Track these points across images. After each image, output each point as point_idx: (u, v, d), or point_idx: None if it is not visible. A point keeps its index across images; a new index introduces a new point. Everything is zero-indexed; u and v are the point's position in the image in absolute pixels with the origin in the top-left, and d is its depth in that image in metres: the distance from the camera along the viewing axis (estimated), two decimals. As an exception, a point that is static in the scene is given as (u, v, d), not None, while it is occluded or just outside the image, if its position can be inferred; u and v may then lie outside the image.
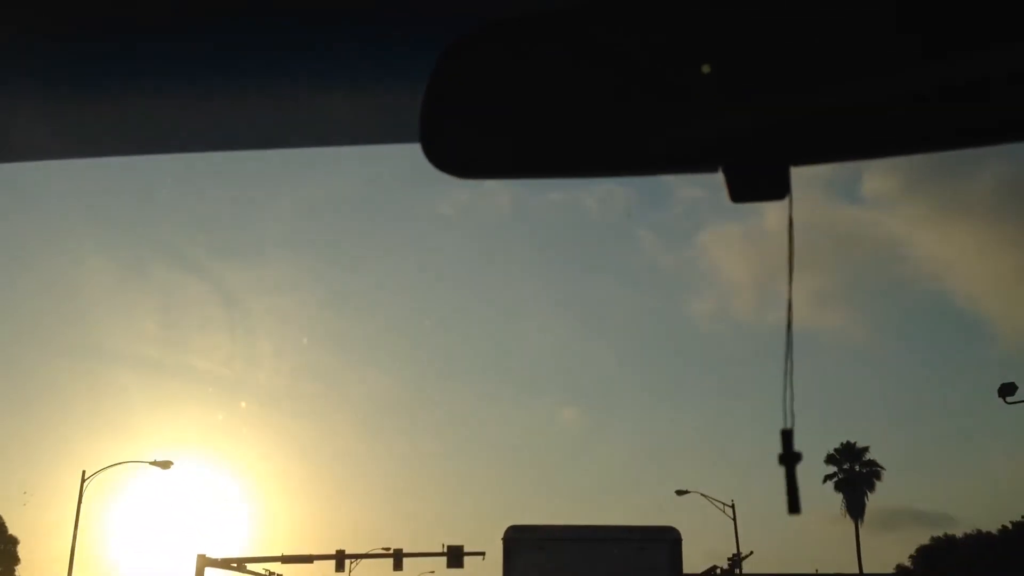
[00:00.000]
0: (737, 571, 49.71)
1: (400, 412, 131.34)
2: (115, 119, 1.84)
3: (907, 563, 59.18)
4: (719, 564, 53.70)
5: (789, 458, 1.09)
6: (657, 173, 1.22)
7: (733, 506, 42.02)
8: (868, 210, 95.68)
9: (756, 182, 1.11)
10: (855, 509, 48.63)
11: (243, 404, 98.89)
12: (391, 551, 47.18)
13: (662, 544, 13.79)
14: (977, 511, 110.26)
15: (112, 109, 1.79)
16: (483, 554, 46.50)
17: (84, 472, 26.28)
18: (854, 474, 48.88)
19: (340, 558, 45.87)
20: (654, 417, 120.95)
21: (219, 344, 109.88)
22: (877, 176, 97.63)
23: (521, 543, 14.02)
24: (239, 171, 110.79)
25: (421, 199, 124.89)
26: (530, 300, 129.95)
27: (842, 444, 49.14)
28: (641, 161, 1.17)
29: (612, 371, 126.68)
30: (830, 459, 49.00)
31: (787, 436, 1.10)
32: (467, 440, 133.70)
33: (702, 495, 43.06)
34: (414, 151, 1.25)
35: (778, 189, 1.10)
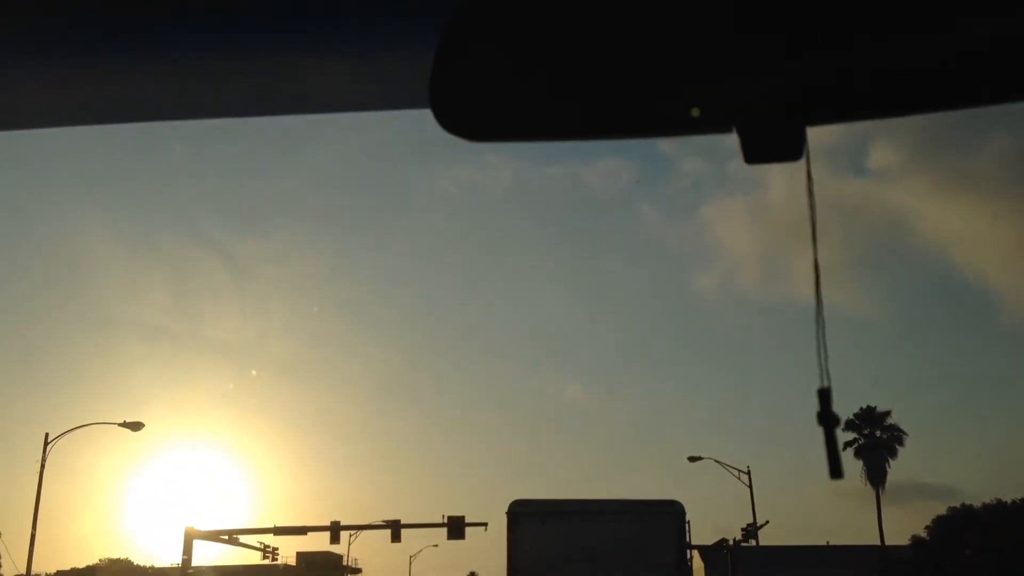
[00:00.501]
0: (752, 541, 47.53)
1: (404, 386, 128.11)
2: (118, 86, 1.84)
3: (922, 534, 57.79)
4: (731, 537, 51.73)
5: (829, 419, 1.05)
6: (671, 135, 1.21)
7: (749, 472, 39.62)
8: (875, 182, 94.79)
9: (771, 142, 1.11)
10: (876, 476, 46.21)
11: (254, 372, 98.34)
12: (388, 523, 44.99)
13: (666, 518, 14.13)
14: (982, 484, 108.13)
15: (114, 76, 1.80)
16: (485, 525, 44.27)
17: (47, 435, 23.90)
18: (875, 440, 46.39)
19: (335, 529, 43.65)
20: (660, 390, 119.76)
21: (221, 313, 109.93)
22: (883, 148, 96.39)
23: (525, 517, 13.91)
24: (248, 139, 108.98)
25: (424, 173, 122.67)
26: (532, 275, 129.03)
27: (862, 409, 46.76)
28: (654, 122, 1.17)
29: (616, 344, 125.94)
30: (849, 425, 46.53)
31: (825, 395, 1.07)
32: (470, 413, 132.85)
33: (716, 461, 40.75)
34: (422, 117, 1.26)
35: (794, 149, 1.10)
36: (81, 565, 63.24)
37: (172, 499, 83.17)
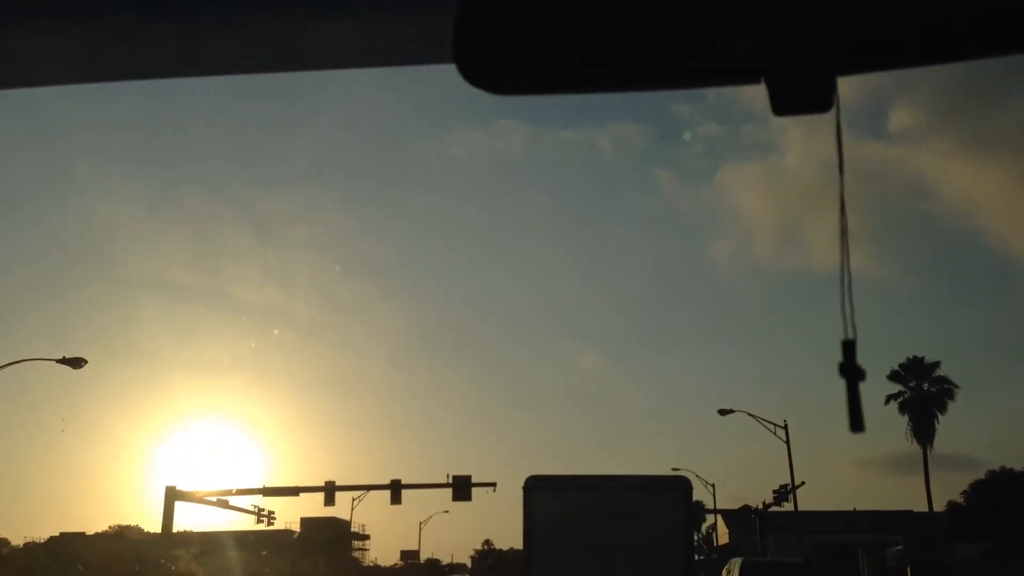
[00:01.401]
0: (785, 504, 43.45)
1: (418, 351, 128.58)
2: (135, 41, 1.83)
3: (959, 499, 54.09)
4: (760, 501, 47.81)
5: (852, 372, 1.03)
6: (698, 86, 1.18)
7: (786, 427, 35.36)
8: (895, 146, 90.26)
9: (800, 93, 1.08)
10: (923, 433, 41.79)
11: (276, 331, 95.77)
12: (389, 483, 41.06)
13: (675, 492, 14.53)
14: (1000, 453, 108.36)
15: (132, 31, 1.79)
16: (493, 485, 40.43)
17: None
18: (922, 393, 41.89)
19: (330, 490, 39.74)
20: (676, 358, 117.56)
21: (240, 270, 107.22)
22: (903, 111, 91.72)
23: (540, 491, 14.52)
24: (268, 95, 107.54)
25: (440, 139, 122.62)
26: (545, 239, 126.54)
27: (908, 359, 42.28)
28: (681, 73, 1.14)
29: (631, 310, 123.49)
30: (894, 376, 42.18)
31: (849, 348, 1.04)
32: (485, 380, 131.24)
33: (749, 414, 36.55)
34: (445, 73, 1.24)
35: (823, 100, 1.08)
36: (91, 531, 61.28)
37: (169, 462, 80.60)
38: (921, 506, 55.46)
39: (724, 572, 24.06)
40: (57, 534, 58.86)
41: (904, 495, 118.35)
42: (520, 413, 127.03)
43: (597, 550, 13.53)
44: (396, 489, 39.86)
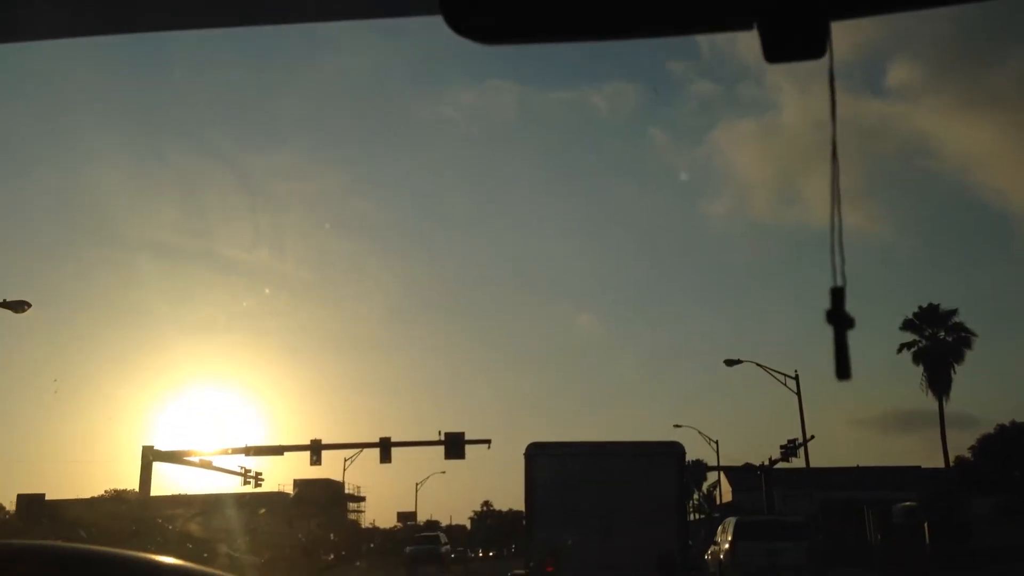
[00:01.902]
0: (792, 459, 41.57)
1: (408, 313, 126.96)
2: None
3: (967, 454, 52.50)
4: (769, 458, 46.04)
5: (839, 318, 1.02)
6: (689, 32, 1.16)
7: (797, 377, 33.26)
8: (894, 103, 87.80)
9: (793, 39, 1.06)
10: (939, 384, 39.72)
11: (267, 290, 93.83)
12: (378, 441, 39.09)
13: (668, 457, 14.82)
14: (997, 411, 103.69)
15: None
16: (488, 442, 38.49)
17: None
18: (938, 342, 39.75)
19: (316, 448, 37.79)
20: (673, 318, 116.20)
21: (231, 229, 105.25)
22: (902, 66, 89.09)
23: (541, 457, 14.82)
24: (256, 51, 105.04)
25: (431, 99, 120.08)
26: (537, 201, 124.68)
27: (921, 308, 40.07)
28: (672, 18, 1.12)
29: (626, 271, 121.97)
30: (908, 326, 40.02)
31: (837, 294, 1.04)
32: (479, 341, 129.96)
33: (757, 365, 34.47)
34: (435, 29, 1.10)
35: (816, 46, 1.06)
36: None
37: (161, 423, 78.91)
38: (928, 462, 53.84)
39: (720, 530, 23.94)
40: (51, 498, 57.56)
41: (907, 452, 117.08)
42: (516, 373, 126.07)
43: (595, 512, 14.03)
44: (386, 447, 37.90)
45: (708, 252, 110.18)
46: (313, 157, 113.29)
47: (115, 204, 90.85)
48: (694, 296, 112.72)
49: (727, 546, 21.18)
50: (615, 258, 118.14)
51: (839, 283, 1.04)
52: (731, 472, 60.69)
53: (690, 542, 18.13)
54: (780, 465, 41.72)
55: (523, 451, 14.90)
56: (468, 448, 36.84)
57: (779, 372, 33.07)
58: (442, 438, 37.06)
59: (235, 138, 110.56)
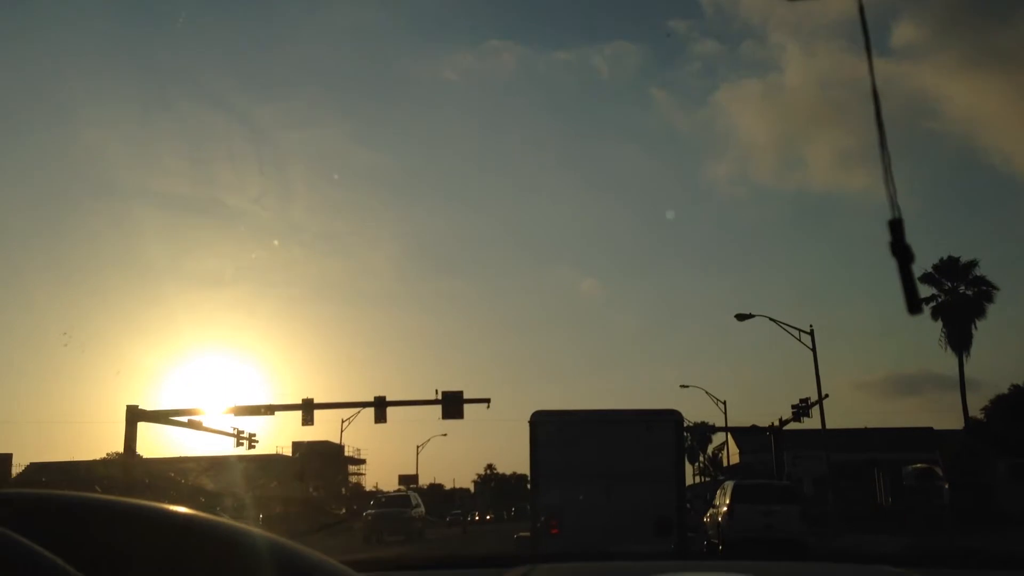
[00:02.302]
0: (804, 419, 39.88)
1: (409, 274, 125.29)
2: None
3: (979, 415, 50.30)
4: (779, 418, 44.38)
5: (902, 250, 1.00)
6: None
7: (812, 333, 31.40)
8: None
9: None
10: (959, 340, 37.87)
11: (276, 242, 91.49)
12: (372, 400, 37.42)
13: (666, 424, 15.30)
14: (998, 374, 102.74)
15: None
16: (487, 401, 36.77)
17: None
18: (958, 296, 37.82)
19: (308, 407, 36.16)
20: (677, 281, 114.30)
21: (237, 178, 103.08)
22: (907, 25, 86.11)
23: (545, 425, 15.30)
24: (260, 1, 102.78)
25: (432, 59, 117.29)
26: (541, 163, 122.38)
27: (942, 260, 38.09)
28: None
29: (625, 234, 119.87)
30: (927, 279, 38.08)
31: (896, 226, 1.02)
32: (480, 302, 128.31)
33: (770, 319, 32.56)
34: None
35: None
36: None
37: (159, 382, 77.27)
38: (939, 424, 52.15)
39: (719, 493, 24.31)
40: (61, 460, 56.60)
41: (916, 413, 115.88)
42: (520, 335, 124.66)
43: (597, 477, 14.54)
44: (380, 407, 36.21)
45: (711, 215, 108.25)
46: (318, 107, 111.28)
47: (118, 153, 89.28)
48: (697, 259, 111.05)
49: (725, 508, 21.55)
50: (616, 220, 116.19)
51: (896, 215, 1.01)
52: (738, 434, 59.15)
53: (688, 505, 18.70)
54: (791, 426, 40.02)
55: (528, 418, 15.44)
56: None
57: (792, 327, 31.18)
58: (439, 397, 35.35)
59: (240, 86, 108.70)
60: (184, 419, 36.80)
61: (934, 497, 43.10)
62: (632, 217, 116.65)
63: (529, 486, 16.70)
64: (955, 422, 52.94)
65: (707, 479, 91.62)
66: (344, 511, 63.25)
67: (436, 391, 35.31)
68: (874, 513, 40.37)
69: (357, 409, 41.40)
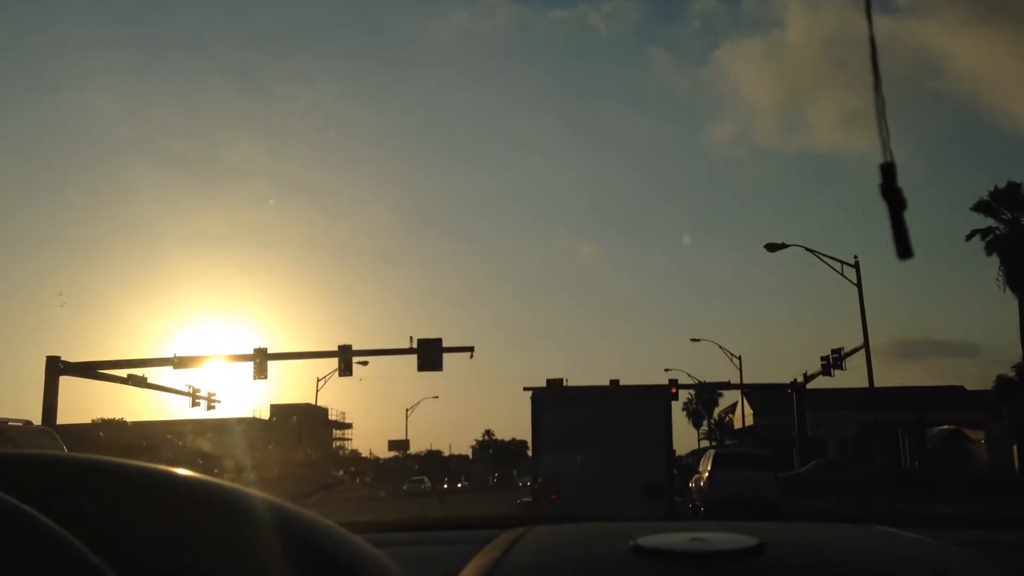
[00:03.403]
0: (834, 372, 34.60)
1: (405, 233, 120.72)
2: None
3: (1010, 374, 45.50)
4: (804, 373, 39.40)
5: (893, 193, 0.98)
6: None
7: (857, 265, 25.90)
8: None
9: None
10: (1018, 278, 32.39)
11: (271, 201, 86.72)
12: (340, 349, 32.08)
13: (657, 399, 16.76)
14: (1000, 340, 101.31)
15: None
16: (471, 349, 31.47)
17: None
18: (1019, 228, 32.29)
19: (261, 358, 30.87)
20: (678, 245, 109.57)
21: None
22: None
23: (545, 400, 16.69)
24: None
25: (426, 18, 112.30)
26: (538, 124, 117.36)
27: (998, 187, 32.56)
28: None
29: (625, 196, 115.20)
30: (982, 208, 32.61)
31: (888, 169, 1.00)
32: (480, 261, 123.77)
33: (807, 249, 27.07)
34: None
35: None
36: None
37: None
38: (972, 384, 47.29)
39: (703, 460, 25.28)
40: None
41: (948, 372, 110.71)
42: (520, 299, 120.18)
43: (594, 447, 15.31)
44: (345, 355, 30.88)
45: (712, 176, 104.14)
46: (310, 69, 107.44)
47: (113, 109, 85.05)
48: (699, 221, 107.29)
49: (707, 474, 22.54)
50: (614, 181, 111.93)
51: (888, 159, 0.98)
52: (752, 395, 53.97)
53: (675, 471, 19.52)
54: (818, 382, 34.79)
55: (528, 384, 18.08)
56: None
57: (833, 258, 25.73)
58: (414, 345, 29.96)
59: (237, 41, 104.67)
60: (123, 374, 31.47)
61: (961, 461, 38.35)
62: (630, 179, 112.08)
63: (530, 453, 17.77)
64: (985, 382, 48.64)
65: (713, 443, 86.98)
66: (341, 473, 60.65)
67: (411, 338, 29.90)
68: (899, 479, 35.23)
69: (334, 369, 36.24)
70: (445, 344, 30.40)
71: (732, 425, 72.67)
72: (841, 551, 1.22)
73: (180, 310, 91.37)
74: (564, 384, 37.60)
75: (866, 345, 25.89)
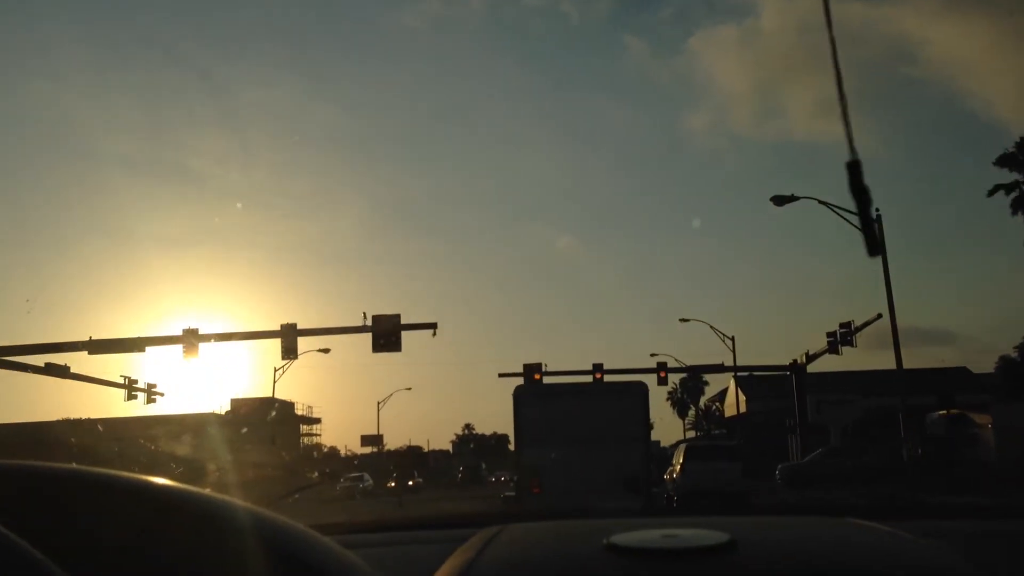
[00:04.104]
0: (850, 343, 30.81)
1: (381, 227, 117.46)
2: None
3: (1012, 354, 44.58)
4: (806, 352, 35.70)
5: (860, 191, 0.99)
6: None
7: (879, 219, 22.09)
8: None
9: None
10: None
11: (239, 205, 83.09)
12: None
13: (633, 395, 16.84)
14: (976, 328, 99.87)
15: None
16: (433, 326, 27.42)
17: None
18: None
19: (191, 339, 26.68)
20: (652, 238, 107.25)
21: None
22: None
23: (527, 397, 17.05)
24: None
25: (391, 10, 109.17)
26: (509, 114, 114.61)
27: (1022, 138, 28.88)
28: None
29: (601, 187, 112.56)
30: (1005, 161, 28.94)
31: (854, 168, 1.00)
32: (455, 257, 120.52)
33: (819, 202, 23.31)
34: None
35: None
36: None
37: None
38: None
39: (676, 453, 26.22)
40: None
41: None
42: (497, 293, 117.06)
43: (574, 441, 15.56)
44: (289, 337, 26.70)
45: (688, 165, 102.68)
46: (280, 65, 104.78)
47: (78, 116, 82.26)
48: (676, 211, 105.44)
49: (679, 467, 23.39)
50: (590, 172, 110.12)
51: (854, 157, 0.99)
52: (745, 382, 50.27)
53: (652, 464, 19.90)
54: (841, 353, 31.00)
55: (506, 374, 19.46)
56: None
57: (844, 209, 21.95)
58: (368, 323, 25.82)
59: (200, 44, 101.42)
60: (40, 365, 27.16)
61: (964, 446, 34.86)
62: (606, 168, 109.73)
63: (512, 448, 17.96)
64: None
65: (699, 434, 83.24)
66: (317, 475, 57.07)
67: (364, 314, 25.81)
68: (899, 467, 31.76)
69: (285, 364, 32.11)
70: (405, 321, 26.26)
71: (722, 413, 68.83)
72: (813, 545, 1.22)
73: (144, 314, 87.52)
74: (543, 368, 35.88)
75: (892, 315, 22.04)
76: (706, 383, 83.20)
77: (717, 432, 72.21)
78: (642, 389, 16.81)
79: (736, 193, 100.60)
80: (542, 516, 1.81)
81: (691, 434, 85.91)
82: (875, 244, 0.99)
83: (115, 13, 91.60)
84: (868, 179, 0.99)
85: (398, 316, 25.95)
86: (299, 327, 26.92)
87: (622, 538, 1.10)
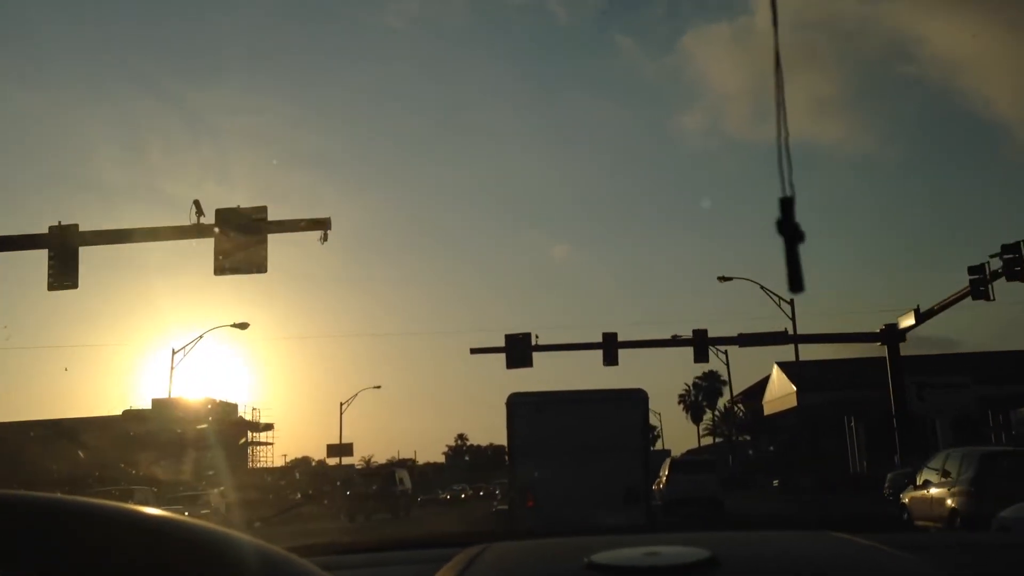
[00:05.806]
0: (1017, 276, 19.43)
1: (372, 244, 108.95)
2: None
3: None
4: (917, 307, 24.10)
5: (790, 228, 0.98)
6: None
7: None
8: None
9: None
10: None
11: (217, 230, 75.15)
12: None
13: (632, 403, 15.70)
14: (977, 334, 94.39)
15: None
16: (327, 223, 15.51)
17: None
18: None
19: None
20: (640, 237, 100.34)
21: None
22: None
23: (521, 406, 15.70)
24: None
25: (375, 8, 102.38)
26: (496, 116, 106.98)
27: None
28: None
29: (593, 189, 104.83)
30: None
31: (787, 204, 0.99)
32: (448, 267, 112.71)
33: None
34: None
35: None
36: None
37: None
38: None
39: (663, 465, 27.55)
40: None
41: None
42: (492, 298, 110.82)
43: (570, 452, 14.88)
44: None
45: (680, 166, 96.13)
46: (259, 87, 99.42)
47: (56, 141, 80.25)
48: (668, 213, 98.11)
49: (664, 478, 25.77)
50: (580, 171, 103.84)
51: (788, 193, 0.98)
52: (790, 367, 38.79)
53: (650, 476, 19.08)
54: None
55: (504, 390, 16.10)
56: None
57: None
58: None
59: (176, 71, 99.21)
60: None
61: None
62: (597, 170, 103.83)
63: (507, 460, 17.35)
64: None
65: (718, 440, 71.90)
66: (300, 496, 49.22)
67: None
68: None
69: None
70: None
71: (750, 414, 56.87)
72: (793, 560, 1.22)
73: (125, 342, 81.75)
74: (532, 338, 30.74)
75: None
76: (724, 382, 72.38)
77: (745, 438, 61.43)
78: (641, 397, 15.70)
79: (730, 193, 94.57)
80: (528, 534, 1.74)
81: (707, 441, 74.87)
82: (797, 282, 0.94)
83: (85, 35, 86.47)
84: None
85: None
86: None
87: (603, 556, 1.09)
